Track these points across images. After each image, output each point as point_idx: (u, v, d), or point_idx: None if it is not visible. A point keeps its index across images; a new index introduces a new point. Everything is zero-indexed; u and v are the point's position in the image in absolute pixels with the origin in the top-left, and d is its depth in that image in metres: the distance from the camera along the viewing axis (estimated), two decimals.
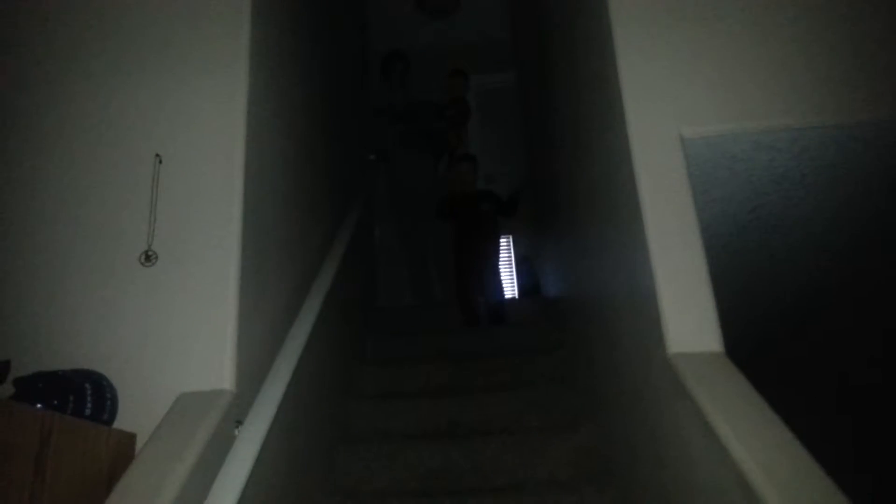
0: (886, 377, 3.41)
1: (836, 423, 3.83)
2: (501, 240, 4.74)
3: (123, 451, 1.44)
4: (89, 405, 1.37)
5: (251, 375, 1.77)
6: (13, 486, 1.13)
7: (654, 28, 1.92)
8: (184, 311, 1.69)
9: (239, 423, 1.65)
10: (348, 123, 3.79)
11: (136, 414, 1.56)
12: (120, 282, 1.72)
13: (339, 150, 3.44)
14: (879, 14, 1.89)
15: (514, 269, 5.50)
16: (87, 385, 1.39)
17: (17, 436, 1.14)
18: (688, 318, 1.63)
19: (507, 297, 4.57)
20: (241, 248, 1.75)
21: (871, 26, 1.87)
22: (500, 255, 4.57)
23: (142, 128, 1.88)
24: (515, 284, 5.39)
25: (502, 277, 4.68)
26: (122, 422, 1.53)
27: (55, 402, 1.31)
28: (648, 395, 1.83)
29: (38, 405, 1.27)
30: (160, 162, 1.84)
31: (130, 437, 1.48)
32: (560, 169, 3.20)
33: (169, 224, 1.78)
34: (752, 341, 3.95)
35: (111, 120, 1.89)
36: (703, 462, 1.45)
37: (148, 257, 1.73)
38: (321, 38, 3.11)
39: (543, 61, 3.53)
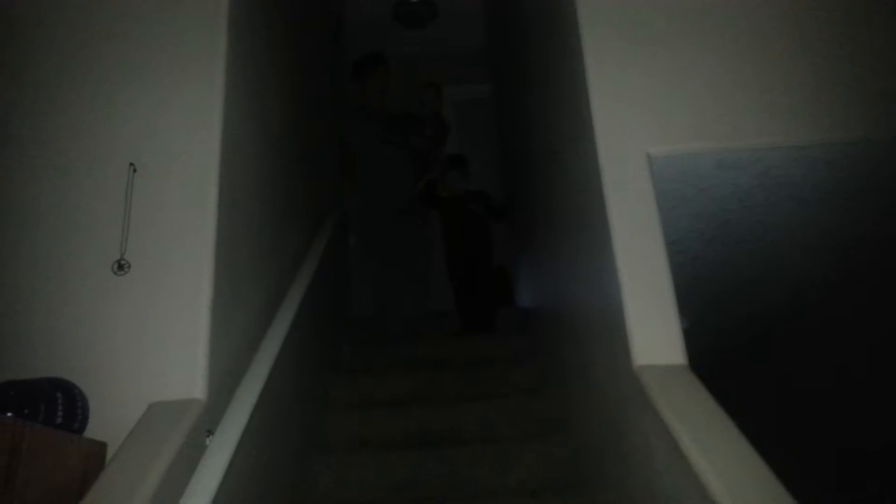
0: (840, 382, 3.50)
1: (797, 430, 3.92)
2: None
3: (94, 461, 1.44)
4: (60, 414, 1.37)
5: (223, 385, 1.78)
6: None
7: (623, 47, 1.98)
8: (156, 321, 1.69)
9: (210, 432, 1.65)
10: (323, 132, 3.80)
11: (106, 423, 1.55)
12: (92, 290, 1.72)
13: (315, 159, 3.45)
14: (837, 36, 1.96)
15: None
16: (59, 394, 1.39)
17: None
18: (653, 332, 1.67)
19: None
20: (215, 257, 1.76)
21: (830, 48, 1.94)
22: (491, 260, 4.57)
23: (116, 136, 1.88)
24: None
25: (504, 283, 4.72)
26: (93, 431, 1.53)
27: (25, 410, 1.31)
28: (615, 405, 1.87)
29: (9, 414, 1.27)
30: (134, 171, 1.84)
31: (101, 447, 1.48)
32: (534, 181, 3.25)
33: (142, 233, 1.78)
34: (718, 352, 4.04)
35: (85, 128, 1.89)
36: (666, 472, 1.49)
37: (121, 266, 1.74)
38: (296, 46, 3.13)
39: (518, 73, 3.59)
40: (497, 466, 2.68)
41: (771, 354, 3.84)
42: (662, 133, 1.89)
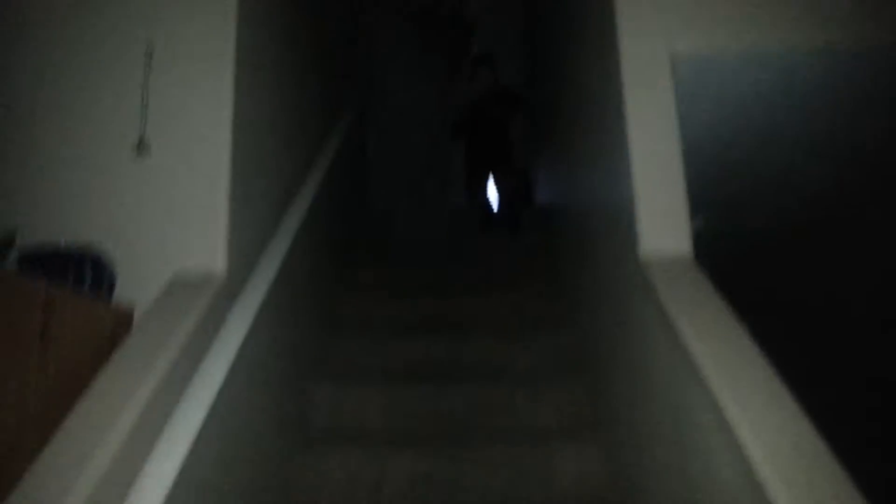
0: (859, 300, 3.51)
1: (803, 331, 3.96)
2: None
3: (122, 325, 1.53)
4: (89, 279, 1.45)
5: (243, 259, 1.85)
6: (20, 353, 1.22)
7: None
8: (178, 197, 1.75)
9: (231, 301, 1.74)
10: (337, 34, 3.73)
11: (132, 291, 1.65)
12: (116, 166, 1.77)
13: (329, 58, 3.41)
14: None
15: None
16: (87, 260, 1.46)
17: (21, 306, 1.22)
18: (661, 225, 1.70)
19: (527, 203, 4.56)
20: (232, 138, 1.79)
21: None
22: (515, 161, 4.54)
23: (132, 19, 1.87)
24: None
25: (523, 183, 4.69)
26: (120, 298, 1.61)
27: (56, 275, 1.39)
28: (621, 295, 1.93)
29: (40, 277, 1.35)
30: (150, 54, 1.85)
31: (128, 312, 1.56)
32: (556, 81, 3.20)
33: (161, 113, 1.81)
34: (733, 256, 4.05)
35: (102, 10, 1.88)
36: (664, 356, 1.55)
37: (141, 145, 1.78)
38: None
39: None
40: (506, 355, 2.79)
41: (786, 263, 3.85)
42: (686, 32, 1.84)
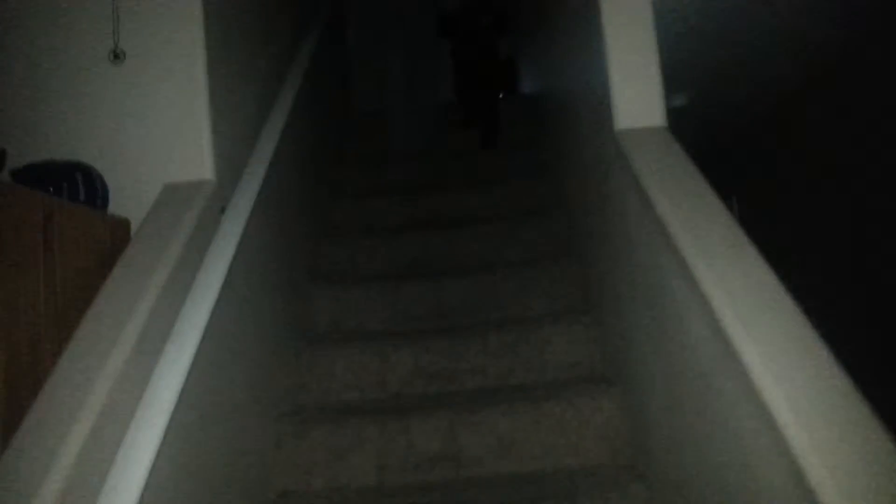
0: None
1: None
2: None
3: (120, 235, 1.60)
4: (82, 192, 1.50)
5: (231, 166, 1.90)
6: (27, 262, 1.29)
7: None
8: (159, 105, 1.78)
9: (223, 209, 1.80)
10: None
11: (124, 204, 1.70)
12: (92, 79, 1.79)
13: None
14: None
15: None
16: (78, 174, 1.51)
17: (23, 214, 1.28)
18: (635, 96, 1.73)
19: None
20: (206, 42, 1.79)
21: None
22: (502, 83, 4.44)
23: None
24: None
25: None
26: (114, 210, 1.67)
27: (50, 188, 1.44)
28: (602, 170, 1.98)
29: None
30: None
31: (125, 223, 1.63)
32: None
33: (134, 21, 1.80)
34: (722, 128, 4.08)
35: None
36: (636, 222, 1.63)
37: (116, 55, 1.78)
38: None
39: None
40: (498, 242, 2.87)
41: (773, 138, 3.87)
42: None
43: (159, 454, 1.22)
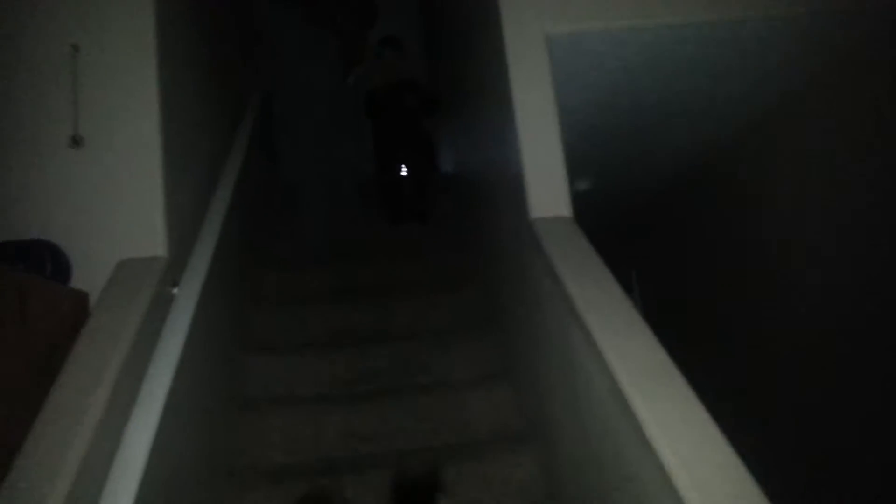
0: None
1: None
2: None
3: (80, 308, 1.72)
4: (49, 268, 1.63)
5: (181, 242, 2.05)
6: (4, 331, 1.40)
7: None
8: (116, 187, 1.92)
9: (175, 283, 1.94)
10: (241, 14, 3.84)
11: (82, 279, 1.82)
12: (53, 162, 1.92)
13: (227, 42, 3.54)
14: None
15: None
16: (46, 251, 1.64)
17: (3, 291, 1.40)
18: (546, 191, 2.03)
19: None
20: (161, 130, 1.96)
21: None
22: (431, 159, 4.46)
23: (59, 18, 2.00)
24: None
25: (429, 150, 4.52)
26: (73, 284, 1.79)
27: (21, 265, 1.56)
28: (516, 249, 2.25)
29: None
30: (77, 51, 1.98)
31: (85, 296, 1.74)
32: (453, 58, 3.47)
33: (92, 109, 1.95)
34: (623, 211, 4.51)
35: (27, 11, 2.00)
36: (548, 299, 1.89)
37: (76, 141, 1.92)
38: None
39: None
40: (420, 312, 3.09)
41: (667, 219, 4.33)
42: (560, 14, 2.15)
43: None
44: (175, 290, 1.92)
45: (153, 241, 1.91)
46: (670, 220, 4.29)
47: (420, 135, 4.39)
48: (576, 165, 3.43)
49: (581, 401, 1.73)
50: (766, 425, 3.14)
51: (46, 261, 1.63)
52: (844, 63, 2.51)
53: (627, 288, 5.16)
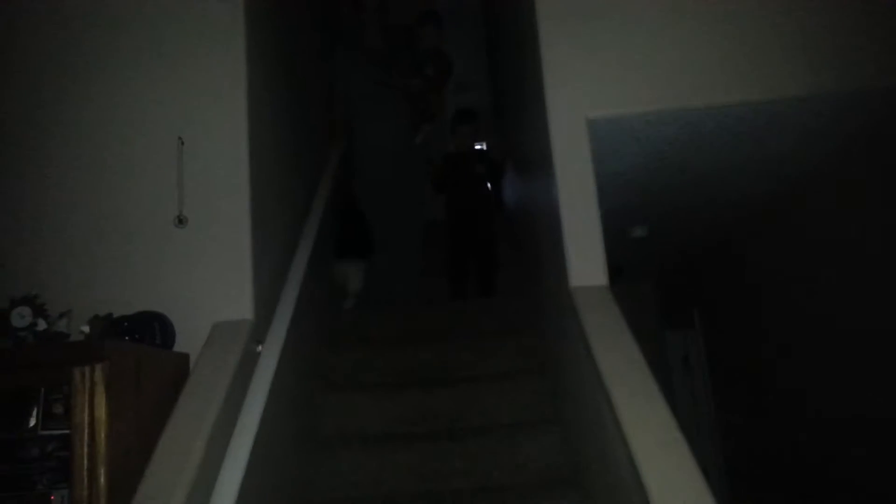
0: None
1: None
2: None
3: (181, 368, 2.05)
4: (159, 337, 1.97)
5: (265, 304, 2.37)
6: (124, 396, 1.73)
7: (571, 27, 2.42)
8: (212, 259, 2.25)
9: (259, 342, 2.26)
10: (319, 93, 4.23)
11: (182, 340, 2.15)
12: (160, 240, 2.27)
13: (315, 118, 3.92)
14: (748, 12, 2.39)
15: None
16: (156, 322, 1.98)
17: (122, 361, 1.74)
18: (584, 260, 2.24)
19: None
20: (251, 208, 2.29)
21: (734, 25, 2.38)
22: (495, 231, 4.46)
23: (164, 116, 2.37)
24: None
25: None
26: (176, 346, 2.13)
27: (136, 336, 1.90)
28: (559, 313, 2.47)
29: (127, 339, 1.87)
30: (182, 143, 2.35)
31: (185, 357, 2.08)
32: (513, 125, 3.76)
33: (194, 192, 2.30)
34: (680, 253, 4.62)
35: (139, 109, 2.38)
36: (584, 362, 2.10)
37: (181, 220, 2.27)
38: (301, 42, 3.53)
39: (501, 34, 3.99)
40: (479, 353, 3.34)
41: (726, 261, 4.42)
42: (599, 101, 2.36)
43: None
44: (259, 349, 2.24)
45: (242, 305, 2.24)
46: (730, 262, 4.38)
47: (489, 204, 4.53)
48: (633, 216, 3.64)
49: (609, 455, 1.93)
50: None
51: (157, 331, 1.96)
52: None
53: (689, 325, 5.25)
